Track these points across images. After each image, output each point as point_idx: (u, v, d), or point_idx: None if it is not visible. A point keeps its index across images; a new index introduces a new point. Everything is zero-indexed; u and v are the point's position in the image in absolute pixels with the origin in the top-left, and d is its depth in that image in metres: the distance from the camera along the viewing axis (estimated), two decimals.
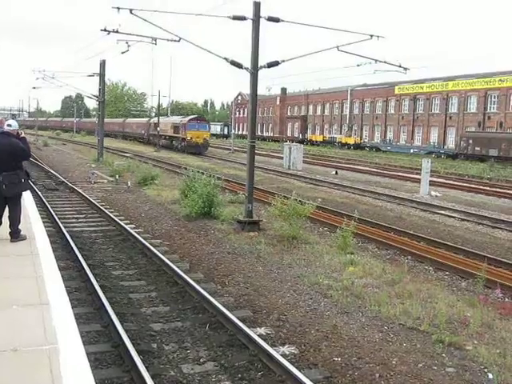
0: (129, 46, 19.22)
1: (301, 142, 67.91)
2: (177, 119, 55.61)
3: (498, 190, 27.68)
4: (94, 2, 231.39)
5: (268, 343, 6.65)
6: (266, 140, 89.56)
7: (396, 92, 74.63)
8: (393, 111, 76.01)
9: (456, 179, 32.86)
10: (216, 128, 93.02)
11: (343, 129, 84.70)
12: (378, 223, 15.67)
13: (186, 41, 14.76)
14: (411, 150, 60.93)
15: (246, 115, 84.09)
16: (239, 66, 14.24)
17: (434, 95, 68.81)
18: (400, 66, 17.53)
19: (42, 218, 11.44)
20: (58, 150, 47.43)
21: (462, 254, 12.30)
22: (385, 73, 22.86)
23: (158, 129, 54.19)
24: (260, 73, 14.31)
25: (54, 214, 14.86)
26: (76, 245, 11.35)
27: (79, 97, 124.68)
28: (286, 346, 6.85)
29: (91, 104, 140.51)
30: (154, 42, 17.48)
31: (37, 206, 12.78)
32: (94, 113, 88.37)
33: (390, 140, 72.59)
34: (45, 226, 10.28)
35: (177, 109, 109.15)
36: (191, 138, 48.60)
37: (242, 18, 13.78)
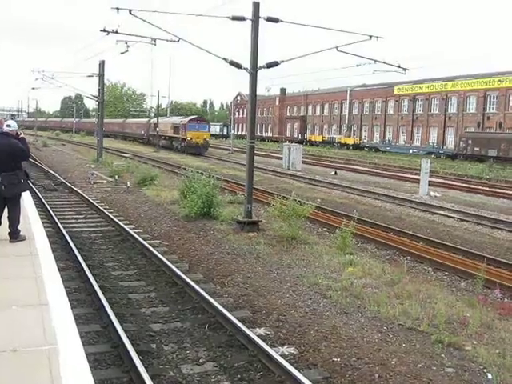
0: (128, 46, 19.23)
1: (300, 142, 67.85)
2: (177, 119, 55.53)
3: (497, 190, 27.70)
4: (93, 3, 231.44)
5: (267, 343, 6.66)
6: (265, 140, 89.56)
7: (395, 92, 74.66)
8: (392, 111, 76.03)
9: (455, 179, 32.88)
10: (215, 128, 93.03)
11: (342, 129, 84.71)
12: (378, 223, 15.67)
13: (186, 41, 14.78)
14: (410, 151, 60.96)
15: (245, 115, 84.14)
16: (238, 66, 14.25)
17: (434, 95, 68.84)
18: (399, 67, 17.56)
19: (41, 218, 11.43)
20: (57, 151, 47.42)
21: (462, 255, 12.31)
22: (384, 73, 22.90)
23: (158, 129, 54.14)
24: (259, 73, 14.32)
25: (53, 214, 14.85)
26: (75, 245, 11.35)
27: (78, 97, 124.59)
28: (286, 347, 6.85)
29: (91, 104, 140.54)
30: (153, 42, 17.49)
31: (36, 207, 12.79)
32: (94, 113, 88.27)
33: (389, 140, 72.60)
34: (44, 227, 10.27)
35: (176, 109, 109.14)
36: (191, 139, 48.50)
37: (242, 19, 13.78)
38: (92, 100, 43.44)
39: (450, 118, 66.17)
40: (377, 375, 6.16)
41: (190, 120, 51.26)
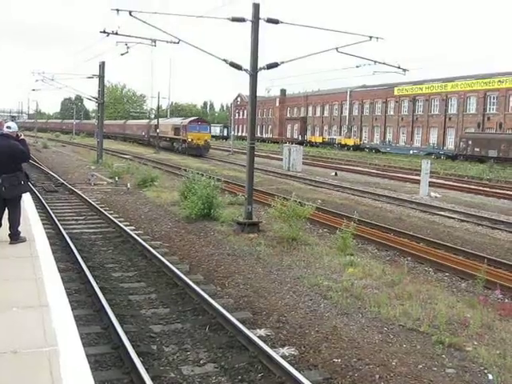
0: (128, 47, 19.23)
1: (300, 143, 67.96)
2: (177, 121, 55.43)
3: (497, 190, 27.69)
4: (93, 4, 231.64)
5: (268, 344, 6.65)
6: (265, 141, 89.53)
7: (395, 93, 74.69)
8: (392, 112, 76.07)
9: (455, 180, 32.88)
10: (215, 129, 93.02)
11: (343, 130, 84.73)
12: (378, 224, 15.67)
13: (186, 42, 14.79)
14: (411, 151, 60.94)
15: (245, 117, 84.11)
16: (238, 67, 14.25)
17: (434, 96, 68.87)
18: (399, 68, 17.55)
19: (41, 219, 11.43)
20: (57, 152, 47.44)
21: (462, 255, 12.31)
22: (384, 74, 22.88)
23: (158, 130, 54.09)
24: (259, 74, 14.32)
25: (53, 215, 14.85)
26: (76, 247, 11.35)
27: (79, 99, 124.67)
28: (286, 348, 6.85)
29: (91, 106, 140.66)
30: (153, 43, 17.48)
31: (36, 208, 12.79)
32: (94, 115, 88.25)
33: (389, 141, 72.59)
34: (44, 228, 10.28)
35: (176, 110, 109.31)
36: (192, 140, 48.36)
37: (241, 20, 13.78)
38: (92, 101, 43.52)
39: (450, 118, 66.19)
40: (377, 376, 6.15)
41: (191, 121, 51.20)
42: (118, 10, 13.59)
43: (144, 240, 12.40)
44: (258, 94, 14.95)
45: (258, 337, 6.88)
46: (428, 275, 10.95)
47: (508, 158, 45.13)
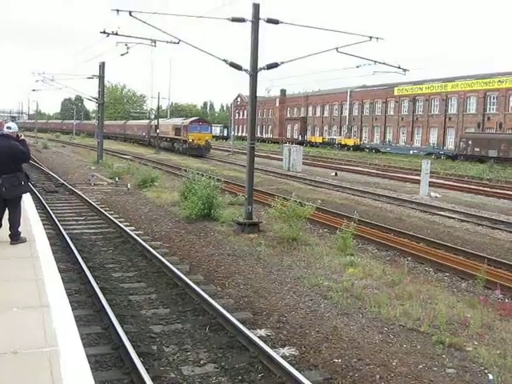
0: (128, 48, 19.24)
1: (300, 143, 68.00)
2: (178, 121, 55.25)
3: (497, 190, 27.69)
4: (93, 5, 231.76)
5: (268, 345, 6.65)
6: (265, 142, 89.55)
7: (395, 93, 74.71)
8: (392, 112, 76.08)
9: (456, 180, 32.88)
10: (215, 130, 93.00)
11: (343, 130, 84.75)
12: (378, 224, 15.67)
13: (186, 43, 14.79)
14: (411, 151, 60.95)
15: (245, 117, 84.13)
16: (238, 67, 14.26)
17: (434, 96, 68.89)
18: (399, 68, 17.55)
19: (41, 220, 11.43)
20: (57, 152, 47.45)
21: (462, 255, 12.31)
22: (384, 74, 22.88)
23: (158, 131, 54.05)
24: (259, 74, 14.33)
25: (53, 216, 14.86)
26: (76, 247, 11.35)
27: (79, 99, 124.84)
28: (286, 348, 6.85)
29: (91, 106, 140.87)
30: (153, 44, 17.48)
31: (36, 209, 12.79)
32: (94, 115, 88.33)
33: (389, 141, 72.60)
34: (45, 229, 10.28)
35: (176, 111, 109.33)
36: (193, 140, 48.13)
37: (241, 20, 13.79)
38: (92, 102, 43.54)
39: (450, 118, 66.20)
40: (378, 376, 6.16)
41: (192, 121, 51.00)
42: (117, 11, 13.59)
43: (144, 240, 12.41)
44: (258, 94, 14.95)
45: (259, 337, 6.88)
46: (428, 275, 10.95)
47: (508, 157, 45.13)
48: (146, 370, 5.74)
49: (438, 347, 6.99)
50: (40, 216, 12.07)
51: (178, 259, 11.29)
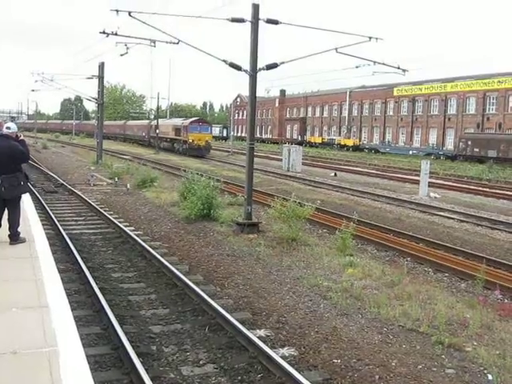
0: (128, 48, 19.24)
1: (300, 143, 67.98)
2: (178, 121, 55.03)
3: (497, 191, 27.71)
4: (92, 5, 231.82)
5: (267, 345, 6.66)
6: (265, 142, 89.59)
7: (395, 93, 74.74)
8: (391, 113, 76.11)
9: (455, 180, 32.89)
10: (215, 130, 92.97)
11: (342, 130, 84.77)
12: (377, 225, 15.67)
13: (185, 43, 14.79)
14: (410, 152, 60.96)
15: (245, 117, 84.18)
16: (238, 68, 14.26)
17: (433, 97, 68.93)
18: (399, 68, 17.56)
19: (41, 220, 11.43)
20: (57, 153, 47.43)
21: (462, 256, 12.31)
22: (383, 74, 22.89)
23: (158, 131, 53.98)
24: (259, 75, 14.33)
25: (53, 216, 14.85)
26: (75, 247, 11.34)
27: (78, 99, 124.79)
28: (286, 348, 6.85)
29: (90, 106, 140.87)
30: (152, 44, 17.47)
31: (36, 209, 12.78)
32: (93, 115, 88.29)
33: (388, 141, 72.62)
34: (44, 229, 10.29)
35: (176, 111, 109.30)
36: (193, 141, 47.91)
37: (241, 21, 13.79)
38: (92, 102, 43.52)
39: (449, 119, 66.23)
40: (377, 376, 6.16)
41: (192, 122, 50.78)
42: (117, 11, 13.59)
43: (143, 240, 12.40)
44: (257, 95, 14.95)
45: (258, 337, 6.88)
46: (427, 275, 10.95)
47: (507, 158, 45.15)
48: (146, 370, 5.74)
49: (437, 347, 7.00)
50: (39, 216, 12.07)
51: (177, 259, 11.29)
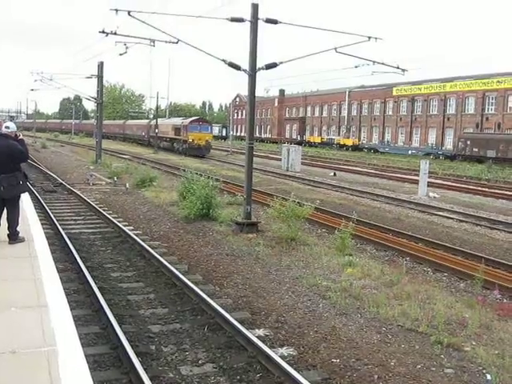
0: (127, 47, 19.26)
1: (299, 143, 68.01)
2: (178, 121, 54.76)
3: (496, 191, 27.72)
4: (92, 4, 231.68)
5: (266, 345, 6.66)
6: (264, 141, 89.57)
7: (394, 93, 74.74)
8: (391, 112, 76.11)
9: (454, 180, 32.90)
10: (214, 129, 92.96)
11: (341, 130, 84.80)
12: (377, 224, 15.68)
13: (184, 42, 14.79)
14: (409, 152, 61.00)
15: (244, 117, 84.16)
16: (237, 67, 14.26)
17: (432, 96, 68.95)
18: (398, 68, 17.58)
19: (40, 220, 11.43)
20: (56, 152, 47.40)
21: (461, 255, 12.32)
22: (383, 74, 22.93)
23: (157, 130, 53.90)
24: (258, 74, 14.33)
25: (52, 215, 14.84)
26: (74, 247, 11.34)
27: (77, 99, 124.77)
28: (285, 348, 6.85)
29: (89, 106, 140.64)
30: (152, 43, 17.47)
31: (35, 208, 12.77)
32: (93, 115, 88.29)
33: (388, 141, 72.65)
34: (43, 228, 10.28)
35: (175, 110, 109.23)
36: (193, 140, 47.61)
37: (240, 20, 13.79)
38: (91, 101, 43.49)
39: (448, 118, 66.26)
40: (376, 376, 6.16)
41: (192, 121, 50.50)
42: (116, 10, 13.58)
43: (143, 240, 12.40)
44: (256, 94, 14.97)
45: (257, 337, 6.88)
46: (427, 275, 10.96)
47: (506, 158, 45.19)
48: (145, 369, 5.74)
49: (436, 347, 7.00)
50: (38, 215, 12.05)
51: (176, 259, 11.29)
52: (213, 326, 7.44)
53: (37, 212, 12.38)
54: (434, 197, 24.19)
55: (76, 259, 10.29)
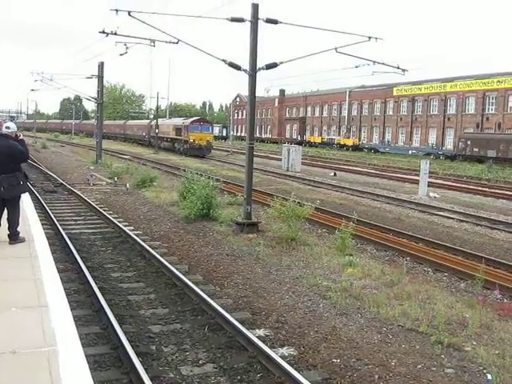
0: (127, 47, 19.25)
1: (299, 143, 67.99)
2: (179, 121, 54.61)
3: (496, 191, 27.72)
4: (93, 4, 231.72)
5: (267, 345, 6.66)
6: (264, 142, 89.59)
7: (394, 93, 74.74)
8: (391, 112, 76.10)
9: (454, 180, 32.90)
10: (214, 130, 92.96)
11: (342, 130, 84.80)
12: (377, 224, 15.67)
13: (185, 43, 14.79)
14: (409, 152, 60.99)
15: (244, 117, 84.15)
16: (237, 67, 14.26)
17: (433, 96, 68.93)
18: (398, 68, 17.57)
19: (40, 220, 11.43)
20: (56, 152, 47.41)
21: (461, 255, 12.31)
22: (383, 74, 22.92)
23: (157, 131, 53.86)
24: (258, 74, 14.33)
25: (52, 216, 14.85)
26: (75, 247, 11.34)
27: (78, 99, 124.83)
28: (285, 348, 6.85)
29: (90, 106, 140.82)
30: (152, 43, 17.47)
31: (35, 209, 12.78)
32: (93, 115, 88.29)
33: (388, 141, 72.63)
34: (43, 228, 10.28)
35: (175, 110, 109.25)
36: (194, 141, 47.44)
37: (241, 20, 13.79)
38: (91, 102, 43.49)
39: (449, 118, 66.24)
40: (376, 376, 6.16)
41: (193, 121, 50.30)
42: (116, 10, 13.58)
43: (143, 240, 12.40)
44: (257, 94, 14.96)
45: (257, 337, 6.88)
46: (427, 275, 10.96)
47: (507, 158, 45.18)
48: (145, 369, 5.74)
49: (436, 347, 7.00)
50: (39, 216, 12.06)
51: (176, 259, 11.29)
52: (213, 326, 7.44)
53: (37, 212, 12.38)
54: (435, 197, 24.18)
55: (76, 259, 10.29)
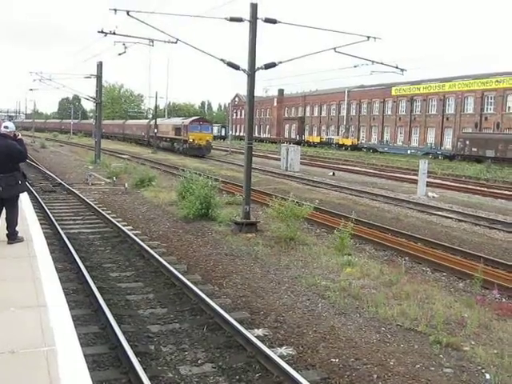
0: (126, 47, 19.30)
1: (298, 143, 67.95)
2: (178, 120, 54.42)
3: (494, 190, 27.74)
4: (91, 4, 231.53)
5: (265, 344, 6.66)
6: (263, 141, 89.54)
7: (393, 93, 74.78)
8: (390, 112, 76.15)
9: (453, 180, 32.92)
10: (213, 129, 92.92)
11: (340, 130, 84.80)
12: (376, 224, 15.68)
13: (183, 42, 14.78)
14: (408, 151, 61.03)
15: (243, 117, 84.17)
16: (236, 67, 14.25)
17: (431, 96, 68.98)
18: (397, 67, 17.58)
19: (39, 219, 11.42)
20: (55, 152, 47.36)
21: (460, 255, 12.32)
22: (382, 74, 22.97)
23: (156, 130, 53.80)
24: (257, 74, 14.34)
25: (51, 215, 14.84)
26: (73, 246, 11.33)
27: (76, 98, 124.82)
28: (284, 348, 6.85)
29: (88, 106, 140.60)
30: (151, 43, 17.47)
31: (34, 208, 12.77)
32: (92, 114, 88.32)
33: (387, 141, 72.71)
34: (42, 228, 10.27)
35: (174, 110, 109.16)
36: (193, 140, 47.24)
37: (239, 20, 13.78)
38: (90, 101, 43.45)
39: (447, 118, 66.29)
40: (375, 376, 6.16)
41: (192, 121, 50.13)
42: (115, 10, 13.57)
43: (142, 240, 12.39)
44: (255, 94, 14.98)
45: (256, 337, 6.89)
46: (426, 275, 10.97)
47: (505, 157, 45.23)
48: (144, 369, 5.73)
49: (435, 347, 7.00)
50: (37, 215, 12.04)
51: (175, 259, 11.28)
52: (212, 325, 7.44)
53: (36, 212, 12.38)
54: (433, 196, 24.20)
55: (75, 259, 10.29)
